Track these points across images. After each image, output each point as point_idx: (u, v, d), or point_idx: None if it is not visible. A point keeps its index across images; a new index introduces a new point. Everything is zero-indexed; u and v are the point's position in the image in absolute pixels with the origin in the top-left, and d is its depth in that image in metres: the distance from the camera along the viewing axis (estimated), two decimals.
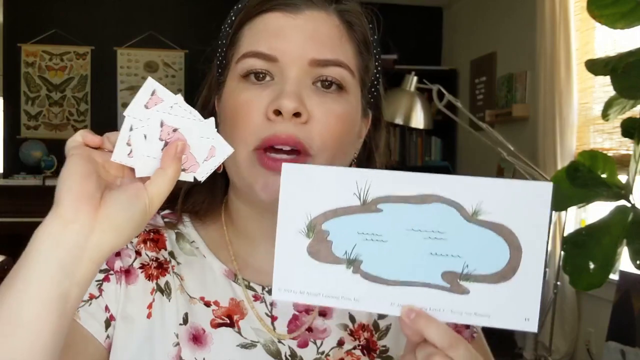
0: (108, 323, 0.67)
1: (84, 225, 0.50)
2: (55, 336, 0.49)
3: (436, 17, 4.94)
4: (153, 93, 0.54)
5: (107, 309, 0.67)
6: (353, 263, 0.53)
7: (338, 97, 0.67)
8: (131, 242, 0.72)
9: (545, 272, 2.75)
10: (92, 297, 0.67)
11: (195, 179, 0.56)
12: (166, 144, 0.55)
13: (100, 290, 0.68)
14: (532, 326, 0.51)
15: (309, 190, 0.54)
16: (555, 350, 2.92)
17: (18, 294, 0.48)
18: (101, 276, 0.68)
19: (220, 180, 0.73)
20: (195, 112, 0.55)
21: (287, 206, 0.54)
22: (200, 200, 0.74)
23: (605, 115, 1.54)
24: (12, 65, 4.44)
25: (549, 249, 2.88)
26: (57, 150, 4.34)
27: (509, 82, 3.83)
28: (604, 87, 2.91)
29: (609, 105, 1.52)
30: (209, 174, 0.56)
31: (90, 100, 4.55)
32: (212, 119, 0.56)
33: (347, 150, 0.71)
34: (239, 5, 0.72)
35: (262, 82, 0.67)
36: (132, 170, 0.55)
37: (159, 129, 0.55)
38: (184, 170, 0.56)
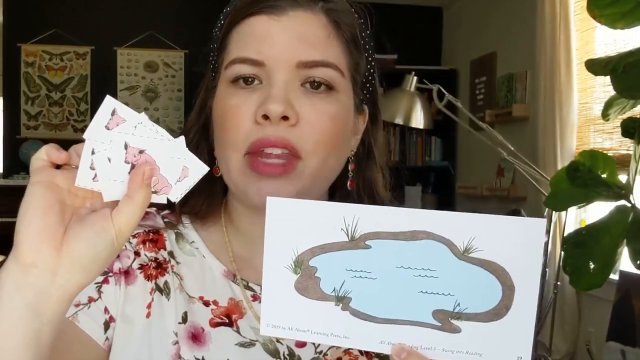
0: (107, 325, 0.67)
1: (46, 268, 0.48)
2: None
3: (436, 17, 4.94)
4: (113, 112, 0.50)
5: (106, 310, 0.67)
6: (342, 300, 0.52)
7: (327, 97, 0.67)
8: (130, 243, 0.71)
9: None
10: (91, 300, 0.67)
11: (168, 200, 0.53)
12: (133, 166, 0.51)
13: (100, 292, 0.68)
14: None
15: (295, 225, 0.53)
16: (555, 350, 2.92)
17: None
18: (100, 278, 0.68)
19: (219, 182, 0.73)
20: (163, 131, 0.51)
21: (273, 241, 0.53)
22: (200, 202, 0.74)
23: (605, 115, 1.54)
24: (12, 65, 4.44)
25: (549, 248, 2.88)
26: None
27: (509, 82, 3.82)
28: (604, 87, 2.91)
29: (609, 105, 1.52)
30: (183, 195, 0.53)
31: (90, 100, 4.55)
32: (182, 138, 0.52)
33: (341, 150, 0.70)
34: (227, 9, 0.72)
35: (250, 87, 0.67)
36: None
37: (124, 152, 0.51)
38: (155, 192, 0.52)
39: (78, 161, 0.51)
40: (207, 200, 0.75)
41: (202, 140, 0.74)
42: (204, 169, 0.52)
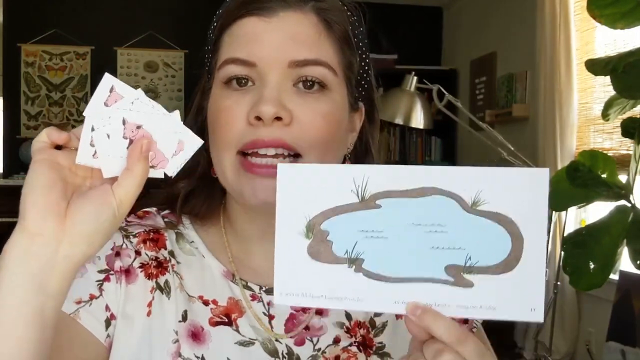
0: (109, 322, 0.67)
1: (51, 237, 0.49)
2: (37, 346, 0.49)
3: (436, 17, 4.94)
4: (111, 89, 0.52)
5: (107, 308, 0.68)
6: (355, 262, 0.52)
7: (321, 96, 0.67)
8: (131, 242, 0.72)
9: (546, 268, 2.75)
10: (92, 297, 0.67)
11: (165, 175, 0.54)
12: (131, 141, 0.53)
13: (101, 290, 0.68)
14: (538, 316, 0.50)
15: (305, 190, 0.53)
16: (555, 350, 2.92)
17: None
18: (102, 276, 0.68)
19: (219, 183, 0.74)
20: (159, 106, 0.53)
21: (285, 207, 0.53)
22: (200, 203, 0.75)
23: (605, 115, 1.54)
24: (12, 65, 4.44)
25: (549, 249, 2.88)
26: None
27: (509, 82, 3.82)
28: (604, 87, 2.91)
29: (609, 105, 1.52)
30: (179, 169, 0.54)
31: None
32: (177, 111, 0.54)
33: (337, 148, 0.71)
34: (219, 11, 0.72)
35: (243, 88, 0.67)
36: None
37: (122, 127, 0.52)
38: (152, 167, 0.53)
39: (78, 143, 0.53)
40: (207, 201, 0.75)
41: None
42: (199, 142, 0.54)
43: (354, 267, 0.53)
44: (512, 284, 0.50)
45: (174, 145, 0.54)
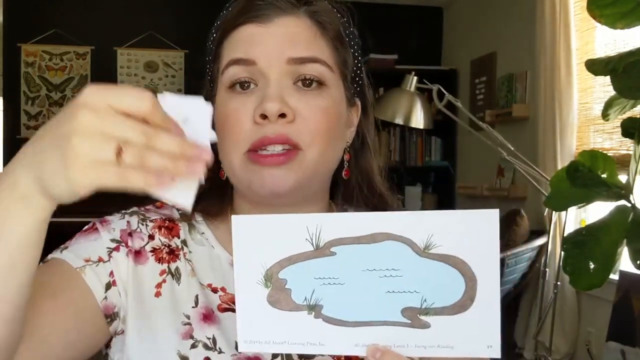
0: (109, 286, 0.70)
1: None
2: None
3: (436, 17, 4.94)
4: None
5: (111, 274, 0.70)
6: (314, 308, 0.54)
7: (320, 93, 0.71)
8: (146, 227, 0.75)
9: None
10: (100, 260, 0.70)
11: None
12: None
13: (110, 256, 0.71)
14: (495, 353, 0.52)
15: (261, 240, 0.54)
16: (555, 350, 2.92)
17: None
18: (113, 245, 0.72)
19: (229, 185, 0.77)
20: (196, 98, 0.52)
21: (242, 258, 0.55)
22: (211, 204, 0.78)
23: (605, 115, 1.54)
24: (12, 65, 4.44)
25: (549, 248, 2.88)
26: None
27: (509, 82, 3.83)
28: (604, 87, 2.91)
29: (609, 105, 1.52)
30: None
31: None
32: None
33: (337, 141, 0.74)
34: (218, 22, 0.76)
35: (246, 91, 0.71)
36: None
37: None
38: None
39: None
40: (218, 202, 0.78)
41: None
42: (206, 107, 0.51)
43: (313, 313, 0.54)
44: (468, 323, 0.52)
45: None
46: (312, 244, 0.53)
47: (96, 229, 0.73)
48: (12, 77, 4.46)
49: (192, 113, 0.50)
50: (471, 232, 0.51)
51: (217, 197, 0.78)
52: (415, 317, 0.52)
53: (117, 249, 0.72)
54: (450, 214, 0.51)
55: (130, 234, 0.73)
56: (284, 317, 0.54)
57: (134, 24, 4.53)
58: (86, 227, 0.74)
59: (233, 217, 0.55)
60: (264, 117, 0.67)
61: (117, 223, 0.74)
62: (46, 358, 0.62)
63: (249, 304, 0.55)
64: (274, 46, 0.70)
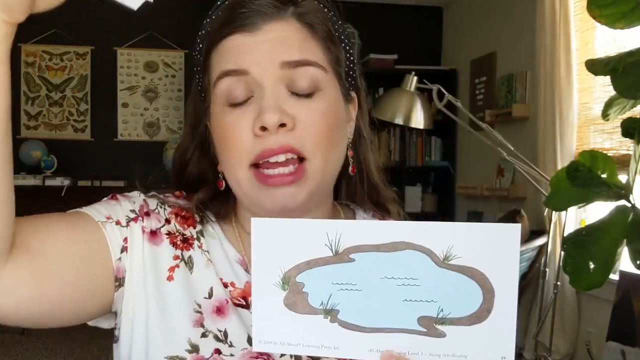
0: (123, 249, 0.70)
1: None
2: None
3: (436, 17, 4.94)
4: None
5: (125, 240, 0.70)
6: (330, 313, 0.55)
7: (316, 97, 0.70)
8: (165, 210, 0.75)
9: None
10: (119, 223, 0.70)
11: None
12: None
13: (128, 224, 0.71)
14: None
15: (281, 243, 0.55)
16: (555, 350, 2.92)
17: None
18: (132, 215, 0.72)
19: (230, 192, 0.76)
20: None
21: (261, 260, 0.55)
22: (219, 207, 0.78)
23: (605, 115, 1.54)
24: (12, 65, 4.42)
25: (549, 248, 2.88)
26: (57, 150, 4.35)
27: (509, 82, 3.83)
28: (604, 87, 2.91)
29: (609, 105, 1.52)
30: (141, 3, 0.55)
31: (90, 100, 4.56)
32: None
33: (340, 141, 0.74)
34: (202, 32, 0.74)
35: (243, 104, 0.69)
36: None
37: None
38: None
39: None
40: (225, 207, 0.78)
41: (202, 156, 0.78)
42: None
43: (329, 317, 0.55)
44: (483, 334, 0.52)
45: None
46: (332, 250, 0.54)
47: (117, 198, 0.74)
48: (12, 77, 4.43)
49: None
50: (491, 245, 0.51)
51: (224, 202, 0.77)
52: (431, 326, 0.53)
53: (135, 219, 0.72)
54: (472, 227, 0.52)
55: (147, 213, 0.73)
56: (300, 320, 0.55)
57: (134, 24, 4.53)
58: (105, 198, 0.75)
59: (253, 219, 0.55)
60: (264, 129, 0.66)
61: (137, 199, 0.75)
62: (46, 279, 0.62)
63: (265, 306, 0.56)
64: (264, 53, 0.68)
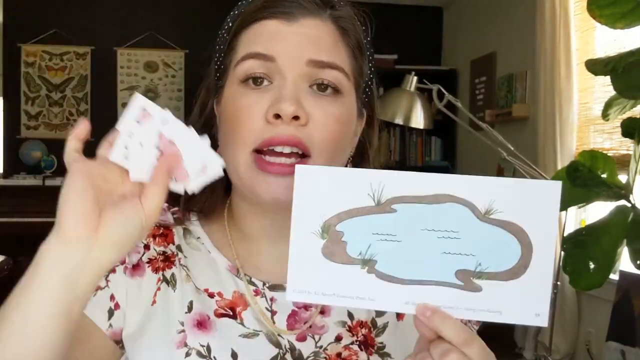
0: (112, 312, 0.69)
1: (85, 243, 0.52)
2: (62, 342, 0.53)
3: (436, 17, 4.94)
4: (143, 109, 0.56)
5: (112, 297, 0.70)
6: (368, 263, 0.54)
7: (334, 100, 0.69)
8: None
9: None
10: (98, 288, 0.69)
11: (185, 191, 0.57)
12: (161, 152, 0.56)
13: (107, 281, 0.70)
14: (542, 321, 0.53)
15: (322, 191, 0.54)
16: (555, 350, 2.92)
17: (27, 306, 0.52)
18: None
19: (220, 181, 0.74)
20: (192, 130, 0.57)
21: (301, 207, 0.55)
22: (203, 199, 0.76)
23: (605, 115, 1.54)
24: (12, 65, 4.44)
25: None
26: (57, 150, 4.34)
27: (509, 82, 3.82)
28: (604, 87, 2.91)
29: (609, 105, 1.52)
30: (200, 189, 0.58)
31: (90, 100, 4.55)
32: (207, 137, 0.57)
33: (344, 150, 0.73)
34: (235, 12, 0.73)
35: (260, 87, 0.68)
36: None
37: (157, 139, 0.56)
38: (174, 180, 0.57)
39: (104, 152, 0.56)
40: (210, 198, 0.76)
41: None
42: (220, 170, 0.57)
43: (367, 268, 0.54)
44: (519, 290, 0.53)
45: (198, 166, 0.57)
46: (374, 200, 0.53)
47: None
48: (12, 77, 4.45)
49: (209, 165, 0.57)
50: (533, 202, 0.52)
51: (209, 192, 0.75)
52: (468, 279, 0.53)
53: (113, 271, 0.71)
54: (515, 182, 0.52)
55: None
56: (337, 269, 0.54)
57: (134, 24, 4.53)
58: None
59: (297, 166, 0.55)
60: (277, 116, 0.65)
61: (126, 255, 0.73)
62: None
63: (302, 254, 0.55)
64: (295, 46, 0.68)
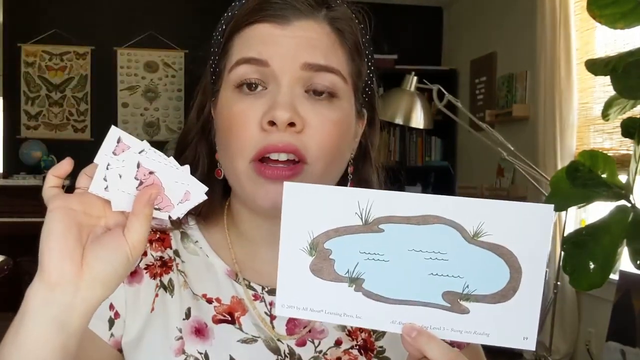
0: (112, 321, 0.69)
1: (70, 283, 0.52)
2: None
3: (436, 17, 4.95)
4: (119, 140, 0.56)
5: (112, 307, 0.69)
6: (355, 281, 0.54)
7: (330, 104, 0.68)
8: None
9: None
10: None
11: (170, 217, 0.58)
12: (141, 183, 0.56)
13: None
14: (530, 345, 0.52)
15: (311, 208, 0.54)
16: (555, 350, 2.92)
17: (23, 346, 0.51)
18: None
19: (218, 185, 0.74)
20: (172, 159, 0.57)
21: (290, 224, 0.55)
22: (201, 204, 0.75)
23: (605, 115, 1.54)
24: (12, 65, 4.44)
25: (549, 249, 2.88)
26: (57, 150, 4.34)
27: (509, 82, 3.83)
28: (604, 87, 2.91)
29: (609, 105, 1.52)
30: (183, 214, 0.58)
31: (90, 100, 4.56)
32: (187, 166, 0.57)
33: (344, 155, 0.71)
34: (229, 14, 0.72)
35: (255, 92, 0.67)
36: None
37: (135, 170, 0.56)
38: (158, 209, 0.57)
39: (87, 183, 0.55)
40: (208, 201, 0.76)
41: (201, 140, 0.75)
42: (203, 193, 0.58)
43: (354, 286, 0.54)
44: (507, 313, 0.52)
45: (181, 194, 0.57)
46: (362, 219, 0.53)
47: None
48: (12, 77, 4.46)
49: (192, 191, 0.57)
50: (523, 225, 0.51)
51: (208, 196, 0.76)
52: (455, 301, 0.53)
53: None
54: (505, 205, 0.52)
55: None
56: (325, 286, 0.54)
57: (134, 24, 4.53)
58: None
59: (285, 182, 0.55)
60: (272, 124, 0.64)
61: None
62: None
63: (291, 270, 0.55)
64: (289, 49, 0.66)
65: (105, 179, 0.55)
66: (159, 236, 0.75)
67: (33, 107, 4.49)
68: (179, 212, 0.57)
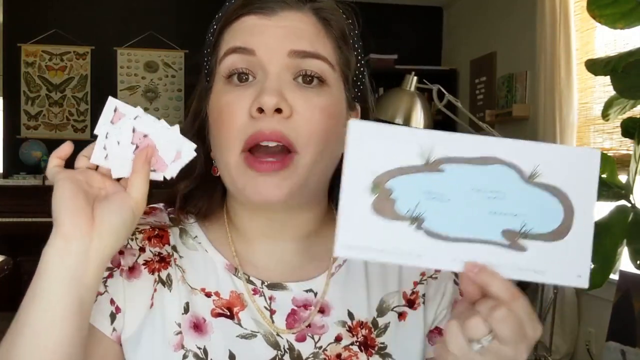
0: (114, 316, 0.70)
1: (83, 236, 0.57)
2: (76, 338, 0.57)
3: (436, 17, 4.94)
4: (115, 109, 0.62)
5: (112, 302, 0.70)
6: (416, 220, 0.55)
7: (320, 91, 0.69)
8: (136, 239, 0.74)
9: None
10: (98, 294, 0.68)
11: (165, 178, 0.63)
12: (137, 147, 0.62)
13: (105, 286, 0.70)
14: (583, 283, 0.55)
15: (374, 147, 0.55)
16: (555, 350, 2.92)
17: (41, 302, 0.56)
18: (105, 273, 0.69)
19: (219, 182, 0.75)
20: (163, 121, 0.62)
21: (353, 163, 0.55)
22: (201, 202, 0.76)
23: (605, 115, 1.54)
24: (12, 65, 4.44)
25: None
26: None
27: (509, 82, 3.82)
28: (604, 87, 2.91)
29: (609, 105, 1.52)
30: (176, 173, 0.63)
31: (90, 100, 4.55)
32: (177, 125, 0.63)
33: (334, 144, 0.70)
34: (219, 15, 0.74)
35: (244, 83, 0.68)
36: (111, 179, 0.62)
37: (131, 135, 0.62)
38: (154, 171, 0.62)
39: (82, 163, 0.62)
40: (208, 200, 0.76)
41: (197, 143, 0.75)
42: (192, 149, 0.63)
43: (415, 225, 0.55)
44: (562, 251, 0.55)
45: (172, 153, 0.62)
46: (423, 159, 0.54)
47: None
48: (12, 77, 4.45)
49: (183, 150, 0.63)
50: (574, 167, 0.54)
51: (207, 195, 0.76)
52: (514, 239, 0.54)
53: (110, 276, 0.71)
54: (558, 148, 0.55)
55: (121, 253, 0.72)
56: (386, 225, 0.54)
57: (134, 24, 4.53)
58: None
59: (350, 120, 0.55)
60: (261, 110, 0.65)
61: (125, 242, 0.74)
62: None
63: (352, 209, 0.55)
64: (275, 38, 0.68)
65: (105, 148, 0.61)
66: (158, 233, 0.75)
67: (33, 107, 4.49)
68: (172, 171, 0.62)
